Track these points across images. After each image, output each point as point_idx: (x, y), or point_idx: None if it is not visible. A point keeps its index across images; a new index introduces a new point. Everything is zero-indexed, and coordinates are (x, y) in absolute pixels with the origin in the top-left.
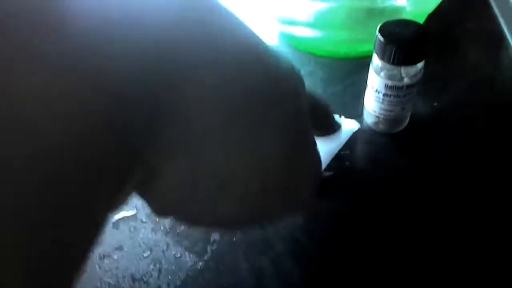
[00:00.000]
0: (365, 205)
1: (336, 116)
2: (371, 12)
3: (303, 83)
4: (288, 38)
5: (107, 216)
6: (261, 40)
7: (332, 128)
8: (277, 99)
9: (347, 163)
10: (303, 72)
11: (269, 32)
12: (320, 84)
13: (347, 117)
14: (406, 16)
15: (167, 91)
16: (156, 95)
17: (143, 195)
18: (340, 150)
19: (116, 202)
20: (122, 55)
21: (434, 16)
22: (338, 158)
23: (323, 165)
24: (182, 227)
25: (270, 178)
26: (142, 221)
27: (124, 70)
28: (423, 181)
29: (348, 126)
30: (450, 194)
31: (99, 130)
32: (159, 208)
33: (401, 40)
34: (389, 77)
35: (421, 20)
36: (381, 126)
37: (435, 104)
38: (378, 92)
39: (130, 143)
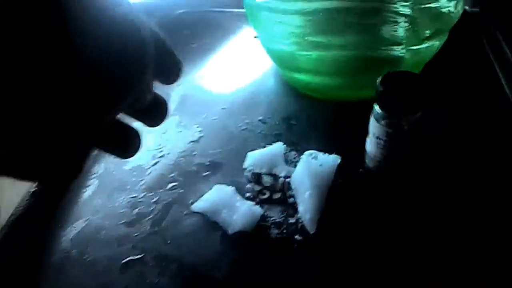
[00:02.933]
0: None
1: (319, 153)
2: (371, 61)
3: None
4: (290, 81)
5: None
6: None
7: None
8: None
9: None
10: (305, 115)
11: (271, 75)
12: (322, 127)
13: (348, 160)
14: (404, 64)
15: None
16: None
17: None
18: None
19: None
20: None
21: (430, 64)
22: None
23: (320, 202)
24: (189, 272)
25: None
26: (149, 265)
27: None
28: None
29: (331, 161)
30: (444, 224)
31: None
32: None
33: (402, 93)
34: (390, 125)
35: (418, 68)
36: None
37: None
38: (379, 139)
39: None
